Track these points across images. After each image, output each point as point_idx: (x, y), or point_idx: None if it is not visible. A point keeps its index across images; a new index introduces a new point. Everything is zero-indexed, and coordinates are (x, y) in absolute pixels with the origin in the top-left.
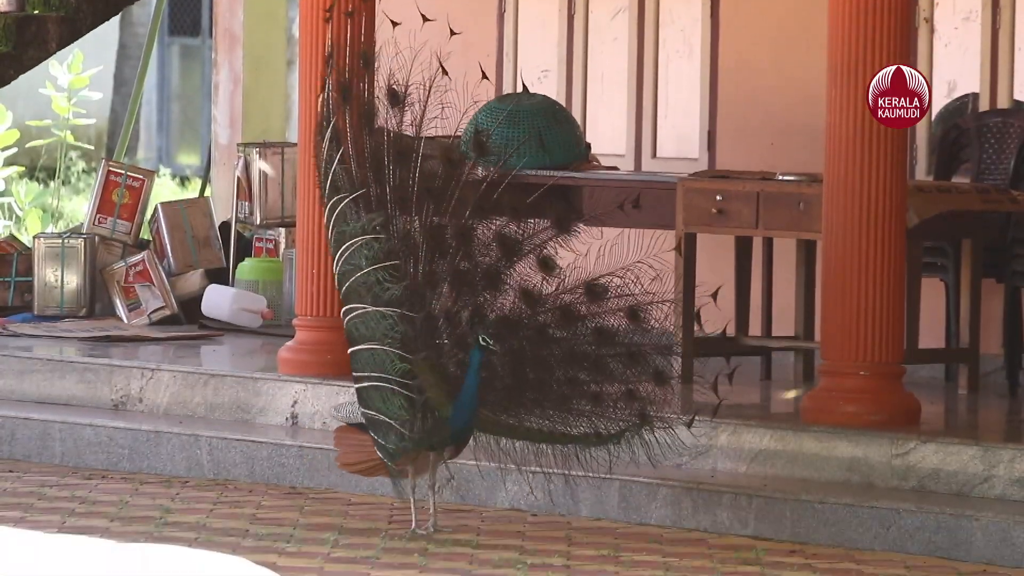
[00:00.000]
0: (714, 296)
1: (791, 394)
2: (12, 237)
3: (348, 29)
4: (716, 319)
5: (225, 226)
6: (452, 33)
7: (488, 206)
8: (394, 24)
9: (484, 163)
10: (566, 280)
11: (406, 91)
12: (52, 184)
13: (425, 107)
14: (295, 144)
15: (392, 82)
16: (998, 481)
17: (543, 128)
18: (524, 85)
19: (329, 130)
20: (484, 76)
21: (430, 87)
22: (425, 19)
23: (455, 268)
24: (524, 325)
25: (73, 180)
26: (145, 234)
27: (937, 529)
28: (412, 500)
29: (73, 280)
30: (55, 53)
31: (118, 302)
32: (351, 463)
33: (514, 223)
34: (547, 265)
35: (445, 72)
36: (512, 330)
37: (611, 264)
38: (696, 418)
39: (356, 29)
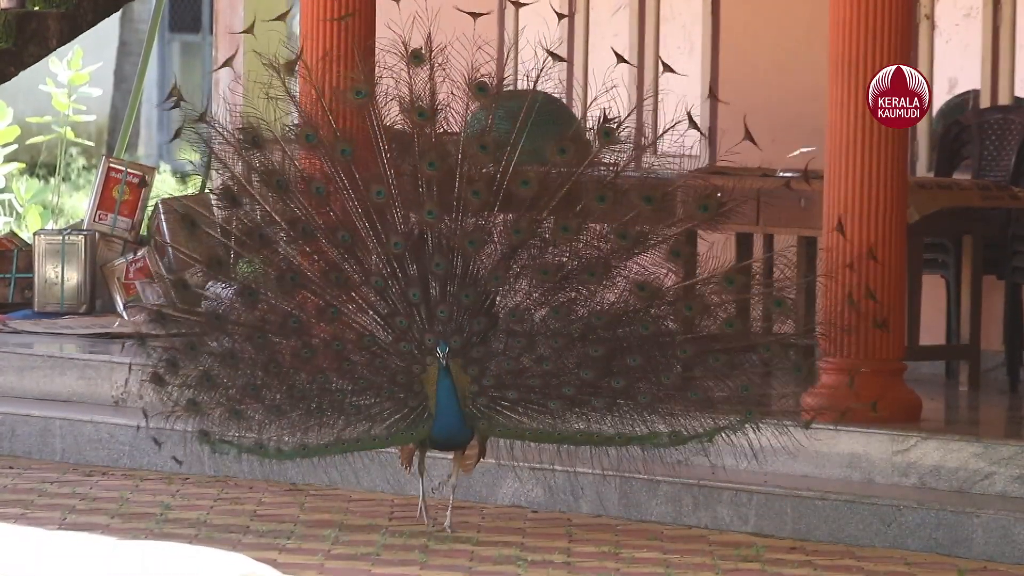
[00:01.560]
0: (872, 296)
1: None
2: (12, 234)
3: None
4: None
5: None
6: (560, 17)
7: (614, 197)
8: (474, 16)
9: (614, 152)
10: (696, 272)
11: (499, 84)
12: (52, 181)
13: (534, 96)
14: None
15: (482, 76)
16: (999, 478)
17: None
18: (664, 63)
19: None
20: (620, 59)
21: (537, 77)
22: (518, 5)
23: (544, 262)
24: (636, 318)
25: (73, 177)
26: (145, 231)
27: (938, 526)
28: (422, 497)
29: (73, 277)
30: (55, 50)
31: (118, 299)
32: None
33: (649, 213)
34: (679, 255)
35: (558, 58)
36: (611, 326)
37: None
38: (815, 421)
39: (359, 31)
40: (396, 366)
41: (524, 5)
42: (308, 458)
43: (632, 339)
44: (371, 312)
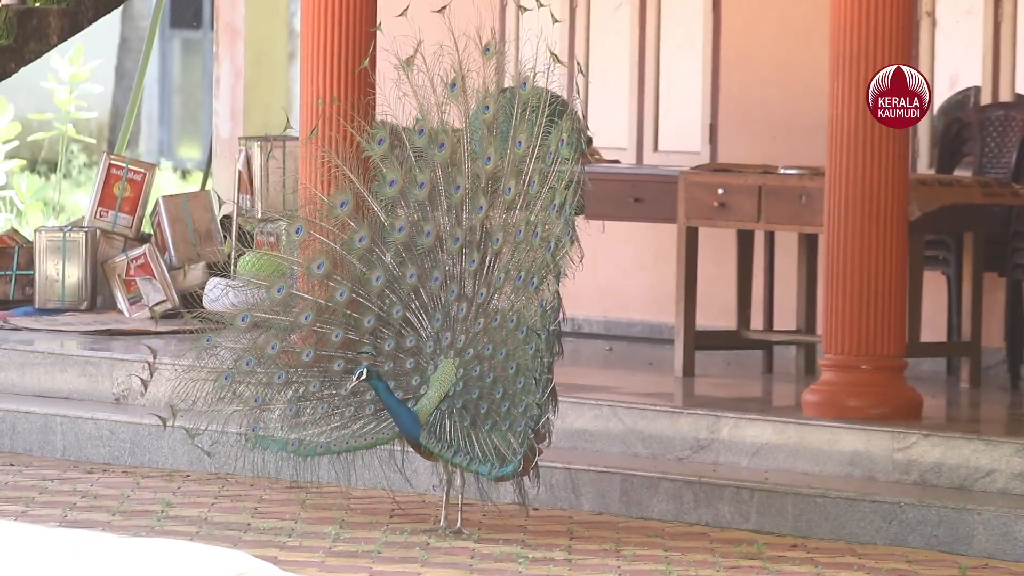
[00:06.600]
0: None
1: None
2: (13, 230)
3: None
4: (717, 312)
5: (227, 219)
6: (555, 21)
7: (580, 205)
8: (524, 9)
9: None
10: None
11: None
12: (53, 177)
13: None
14: (296, 138)
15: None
16: (1000, 475)
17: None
18: (551, 51)
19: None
20: (556, 59)
21: (548, 73)
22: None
23: (520, 263)
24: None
25: (74, 173)
26: (146, 227)
27: (939, 523)
28: (445, 498)
29: (74, 274)
30: (56, 46)
31: (119, 295)
32: None
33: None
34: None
35: (559, 60)
36: (527, 340)
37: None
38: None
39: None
40: (419, 366)
41: (528, 10)
42: (330, 455)
43: (524, 358)
44: (430, 310)
